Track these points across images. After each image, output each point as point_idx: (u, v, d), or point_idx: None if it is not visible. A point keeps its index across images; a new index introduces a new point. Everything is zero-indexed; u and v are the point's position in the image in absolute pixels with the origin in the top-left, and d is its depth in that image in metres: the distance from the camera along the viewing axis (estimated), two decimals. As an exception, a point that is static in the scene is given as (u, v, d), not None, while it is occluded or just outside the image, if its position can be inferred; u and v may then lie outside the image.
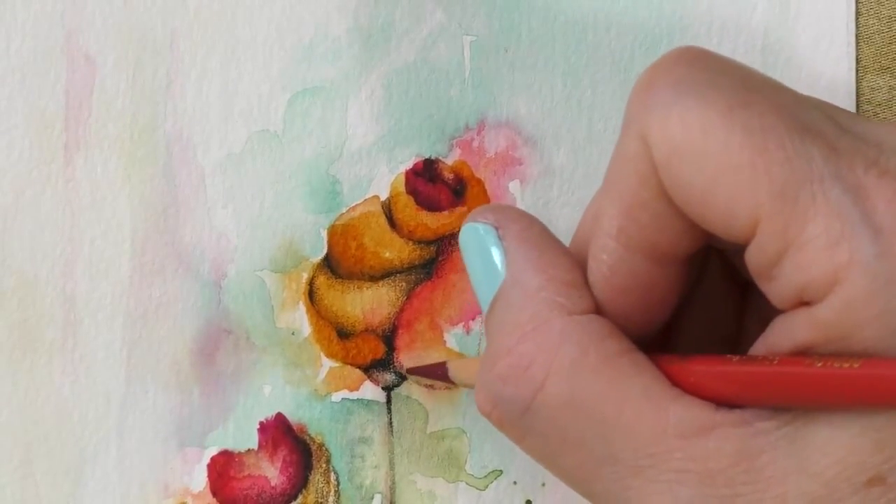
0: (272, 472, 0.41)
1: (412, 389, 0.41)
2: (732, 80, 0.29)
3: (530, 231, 0.32)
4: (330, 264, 0.41)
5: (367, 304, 0.41)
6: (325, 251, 0.41)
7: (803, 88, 0.41)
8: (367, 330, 0.41)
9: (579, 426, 0.29)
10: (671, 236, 0.30)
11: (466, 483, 0.41)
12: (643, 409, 0.28)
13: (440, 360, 0.40)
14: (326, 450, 0.41)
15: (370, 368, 0.41)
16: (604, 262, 0.30)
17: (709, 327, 0.34)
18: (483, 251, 0.32)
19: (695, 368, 0.29)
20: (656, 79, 0.29)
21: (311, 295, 0.41)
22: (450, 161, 0.41)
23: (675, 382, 0.29)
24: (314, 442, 0.41)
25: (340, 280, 0.41)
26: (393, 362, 0.41)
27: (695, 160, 0.28)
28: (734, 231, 0.28)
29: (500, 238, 0.32)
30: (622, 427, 0.28)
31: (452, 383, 0.38)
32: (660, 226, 0.30)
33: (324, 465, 0.41)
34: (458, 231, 0.34)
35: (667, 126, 0.28)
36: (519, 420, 0.30)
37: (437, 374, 0.39)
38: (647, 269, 0.30)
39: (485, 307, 0.33)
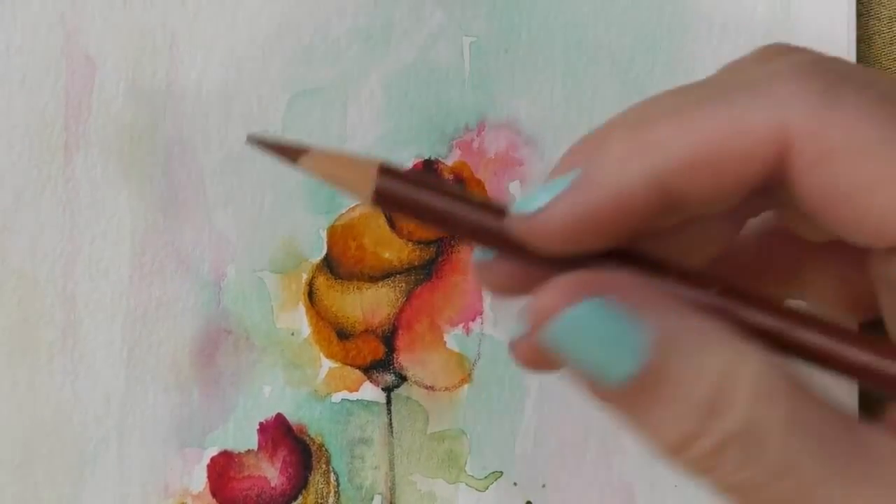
0: (272, 473, 0.41)
1: (412, 390, 0.41)
2: (880, 85, 0.27)
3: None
4: (330, 265, 0.41)
5: (367, 304, 0.41)
6: (324, 252, 0.41)
7: (803, 89, 0.42)
8: (366, 331, 0.41)
9: None
10: (733, 200, 0.28)
11: (466, 484, 0.41)
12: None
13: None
14: (326, 450, 0.41)
15: (370, 369, 0.41)
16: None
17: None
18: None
19: None
20: (803, 69, 0.27)
21: (311, 295, 0.41)
22: (450, 162, 0.41)
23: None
24: (314, 442, 0.41)
25: (340, 281, 0.41)
26: (393, 363, 0.41)
27: (851, 163, 0.26)
28: (874, 236, 0.26)
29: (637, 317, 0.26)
30: None
31: (299, 168, 0.28)
32: (732, 191, 0.27)
33: (324, 466, 0.41)
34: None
35: (822, 122, 0.26)
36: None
37: (286, 154, 0.29)
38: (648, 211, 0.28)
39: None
